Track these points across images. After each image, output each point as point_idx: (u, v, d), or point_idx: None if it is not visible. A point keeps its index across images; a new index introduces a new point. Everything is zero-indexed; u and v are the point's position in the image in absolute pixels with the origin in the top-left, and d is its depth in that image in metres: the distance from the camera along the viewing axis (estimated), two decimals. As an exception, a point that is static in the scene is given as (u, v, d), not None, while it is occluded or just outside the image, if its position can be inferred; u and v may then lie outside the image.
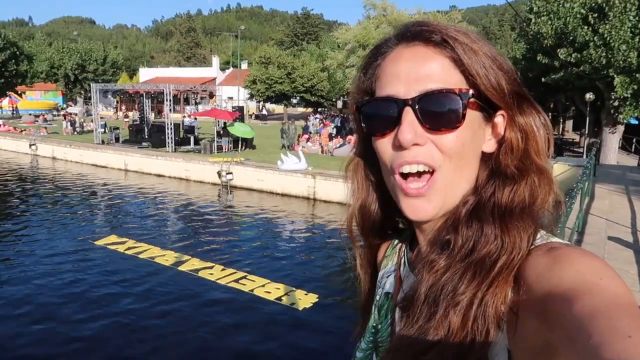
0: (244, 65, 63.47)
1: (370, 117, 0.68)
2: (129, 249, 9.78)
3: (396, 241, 0.84)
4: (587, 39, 16.95)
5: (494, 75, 0.63)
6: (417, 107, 0.63)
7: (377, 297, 0.82)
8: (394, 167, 0.66)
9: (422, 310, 0.61)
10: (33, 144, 24.79)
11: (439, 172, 0.64)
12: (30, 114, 40.72)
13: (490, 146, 0.67)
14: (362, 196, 0.79)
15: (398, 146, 0.64)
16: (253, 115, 48.85)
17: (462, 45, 0.63)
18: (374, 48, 0.72)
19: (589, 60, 17.08)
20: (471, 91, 0.63)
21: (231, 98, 48.54)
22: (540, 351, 0.52)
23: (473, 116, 0.64)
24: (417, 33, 0.65)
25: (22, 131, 29.95)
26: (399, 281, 0.77)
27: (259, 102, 49.80)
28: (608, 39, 16.29)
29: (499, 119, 0.67)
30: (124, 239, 10.38)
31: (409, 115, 0.63)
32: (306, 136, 23.76)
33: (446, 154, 0.63)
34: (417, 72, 0.63)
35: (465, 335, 0.56)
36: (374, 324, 0.80)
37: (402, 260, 0.79)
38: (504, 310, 0.57)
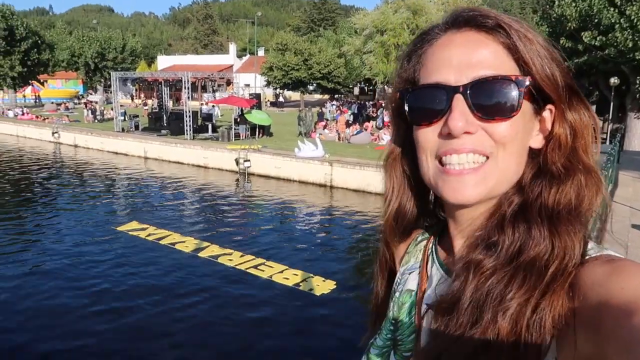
0: (261, 52, 63.32)
1: (415, 105, 0.65)
2: (150, 235, 9.97)
3: (419, 237, 0.81)
4: (613, 21, 16.42)
5: (549, 65, 0.60)
6: (469, 94, 0.60)
7: (397, 294, 0.79)
8: (439, 154, 0.63)
9: (466, 314, 0.58)
10: (56, 132, 25.30)
11: (492, 159, 0.61)
12: (52, 103, 41.50)
13: (537, 142, 0.65)
14: (399, 196, 0.76)
15: (446, 134, 0.61)
16: (268, 103, 48.86)
17: (518, 32, 0.60)
18: (419, 35, 0.69)
19: (615, 44, 16.57)
20: (528, 79, 0.60)
21: (248, 85, 48.63)
22: None
23: (526, 107, 0.62)
24: (469, 18, 0.63)
25: (44, 119, 30.58)
26: (425, 279, 0.74)
27: (275, 89, 49.73)
28: (635, 21, 15.76)
29: (547, 114, 0.64)
30: (145, 226, 10.58)
31: (460, 102, 0.60)
32: (323, 123, 23.70)
33: (500, 143, 0.61)
34: (469, 58, 0.61)
35: (517, 342, 0.54)
36: (392, 321, 0.78)
37: (430, 258, 0.76)
38: (559, 319, 0.55)
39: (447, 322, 0.60)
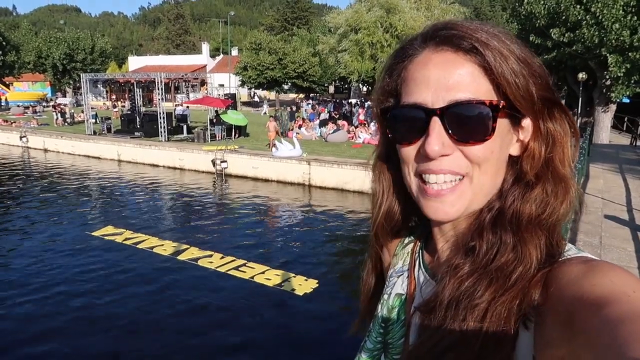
0: (234, 52, 62.74)
1: (395, 124, 0.67)
2: (126, 239, 9.75)
3: (406, 240, 0.83)
4: (579, 18, 16.88)
5: (524, 82, 0.61)
6: (445, 117, 0.61)
7: (386, 297, 0.81)
8: (419, 171, 0.66)
9: (445, 315, 0.61)
10: (24, 136, 24.50)
11: (467, 177, 0.64)
12: (18, 106, 40.12)
13: (516, 149, 0.66)
14: (389, 197, 0.78)
15: (424, 156, 0.63)
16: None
17: (493, 51, 0.60)
18: (399, 49, 0.70)
19: (582, 40, 17.03)
20: (502, 103, 0.61)
21: (222, 85, 48.12)
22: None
23: (502, 123, 0.63)
24: (446, 38, 0.63)
25: (11, 123, 29.58)
26: (413, 282, 0.77)
27: (250, 89, 49.33)
28: (600, 17, 16.24)
29: (527, 122, 0.65)
30: (121, 230, 10.35)
31: (436, 125, 0.62)
32: (300, 122, 23.66)
33: (475, 163, 0.63)
34: (446, 80, 0.61)
35: (483, 339, 0.57)
36: (382, 324, 0.79)
37: (417, 262, 0.78)
38: (530, 313, 0.57)
39: (429, 323, 0.64)
